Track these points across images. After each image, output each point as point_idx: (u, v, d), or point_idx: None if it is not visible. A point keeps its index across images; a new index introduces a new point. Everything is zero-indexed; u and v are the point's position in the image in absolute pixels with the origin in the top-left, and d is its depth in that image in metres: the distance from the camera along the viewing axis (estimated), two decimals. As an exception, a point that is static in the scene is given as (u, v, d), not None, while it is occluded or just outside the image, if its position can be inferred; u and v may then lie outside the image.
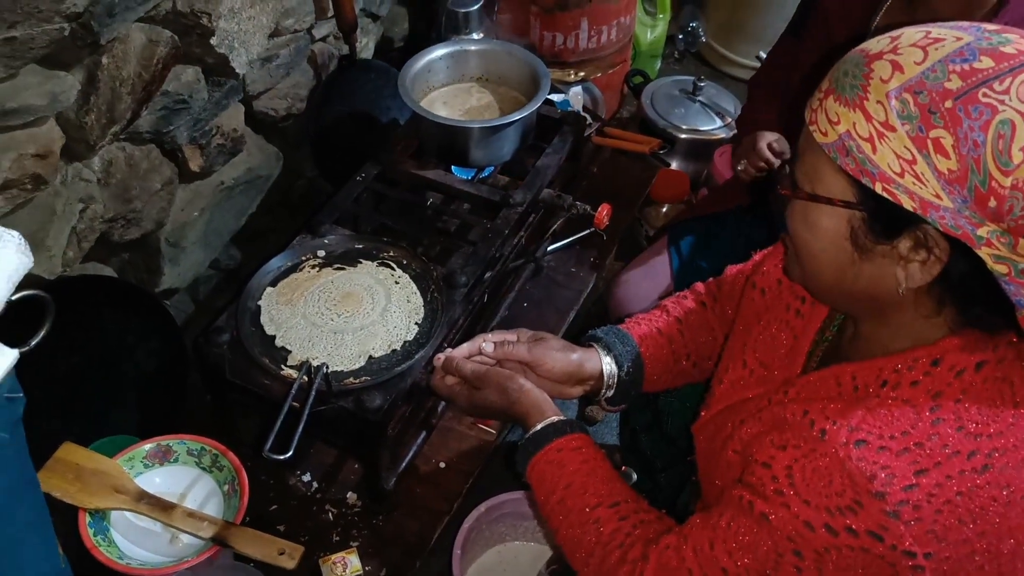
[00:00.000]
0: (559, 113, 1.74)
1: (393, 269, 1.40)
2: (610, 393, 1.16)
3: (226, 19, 1.46)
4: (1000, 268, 0.72)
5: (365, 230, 1.54)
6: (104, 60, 1.26)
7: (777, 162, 1.53)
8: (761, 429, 0.88)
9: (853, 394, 0.83)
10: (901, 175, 0.72)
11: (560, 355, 1.13)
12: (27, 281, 0.78)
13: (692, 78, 2.28)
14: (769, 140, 1.57)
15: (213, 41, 1.45)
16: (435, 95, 1.68)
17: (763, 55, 2.37)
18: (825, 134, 0.76)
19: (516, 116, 1.51)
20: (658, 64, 2.79)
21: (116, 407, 1.38)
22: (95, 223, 1.38)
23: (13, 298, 0.75)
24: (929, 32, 0.74)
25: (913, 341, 0.82)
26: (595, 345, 1.16)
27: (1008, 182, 0.69)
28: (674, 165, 2.22)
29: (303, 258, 1.41)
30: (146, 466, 1.25)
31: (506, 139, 1.57)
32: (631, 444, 1.45)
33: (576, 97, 1.91)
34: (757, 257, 1.14)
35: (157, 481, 1.25)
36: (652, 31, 2.64)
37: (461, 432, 1.49)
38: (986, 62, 0.70)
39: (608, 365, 1.14)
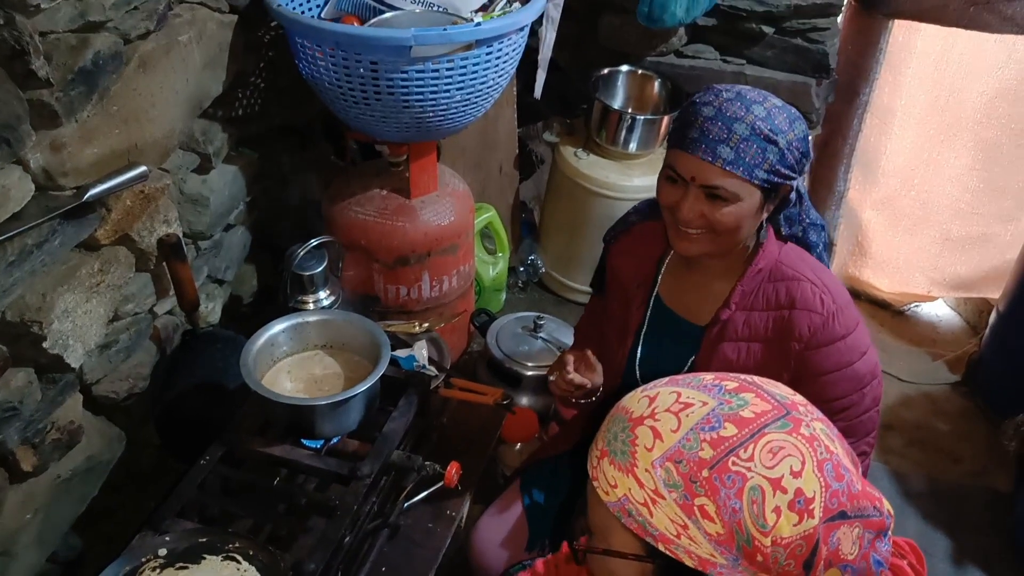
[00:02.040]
0: (404, 373, 1.80)
1: (239, 563, 1.37)
2: None
3: (59, 321, 1.47)
4: None
5: (211, 516, 1.52)
6: (-75, 386, 1.24)
7: (579, 384, 1.58)
8: None
9: None
10: (678, 536, 0.80)
11: None
12: None
13: (533, 315, 2.40)
14: (574, 361, 1.62)
15: (45, 344, 1.45)
16: (280, 366, 1.71)
17: (598, 284, 2.55)
18: (607, 493, 0.85)
19: (358, 389, 1.55)
20: (503, 296, 2.93)
21: None
22: (-89, 554, 1.30)
23: None
24: (679, 395, 0.85)
25: None
26: None
27: (768, 541, 0.77)
28: (524, 401, 2.29)
29: (143, 560, 1.36)
30: None
31: (352, 409, 1.61)
32: None
33: (421, 351, 1.98)
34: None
35: None
36: (494, 268, 2.79)
37: None
38: (730, 429, 0.80)
39: None
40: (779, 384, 0.88)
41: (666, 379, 0.90)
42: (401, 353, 1.97)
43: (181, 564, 1.36)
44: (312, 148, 2.55)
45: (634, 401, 0.87)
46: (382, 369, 1.60)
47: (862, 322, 1.48)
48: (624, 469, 0.82)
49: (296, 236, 2.08)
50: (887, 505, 0.86)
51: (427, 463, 1.66)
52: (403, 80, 1.83)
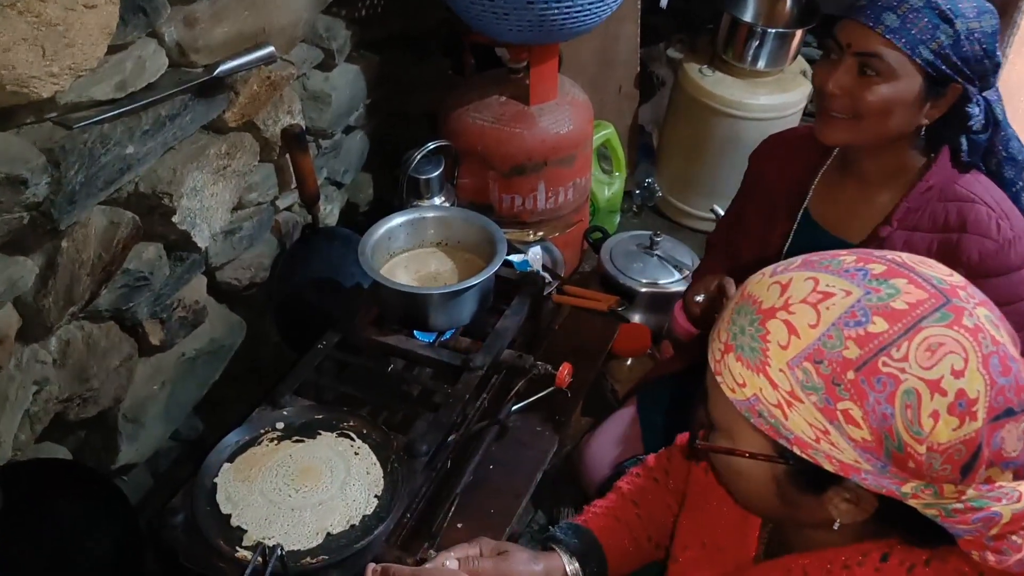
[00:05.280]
0: (517, 274, 1.78)
1: (352, 439, 1.38)
2: None
3: (188, 197, 1.50)
4: (931, 512, 0.72)
5: (327, 399, 1.54)
6: (64, 244, 1.28)
7: None
8: None
9: None
10: (817, 441, 0.72)
11: (525, 568, 1.08)
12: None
13: (649, 233, 2.35)
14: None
15: (175, 219, 1.48)
16: (396, 261, 1.72)
17: (717, 208, 2.46)
18: (733, 391, 0.76)
19: (473, 281, 1.54)
20: (617, 219, 2.87)
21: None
22: (50, 404, 1.36)
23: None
24: (817, 282, 0.74)
25: (858, 535, 0.81)
26: (556, 548, 1.13)
27: (923, 448, 0.69)
28: (636, 318, 2.25)
29: (262, 431, 1.39)
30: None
31: (465, 303, 1.60)
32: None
33: (535, 257, 1.96)
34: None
35: None
36: (609, 188, 2.74)
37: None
38: (880, 324, 0.70)
39: (572, 568, 1.11)
40: (933, 263, 0.76)
41: (798, 260, 0.78)
42: (515, 257, 1.96)
43: (298, 438, 1.38)
44: (430, 61, 2.53)
45: (763, 288, 0.77)
46: (498, 263, 1.58)
47: None
48: (754, 368, 0.74)
49: (413, 147, 2.08)
50: None
51: (538, 363, 1.64)
52: (528, -27, 1.78)
